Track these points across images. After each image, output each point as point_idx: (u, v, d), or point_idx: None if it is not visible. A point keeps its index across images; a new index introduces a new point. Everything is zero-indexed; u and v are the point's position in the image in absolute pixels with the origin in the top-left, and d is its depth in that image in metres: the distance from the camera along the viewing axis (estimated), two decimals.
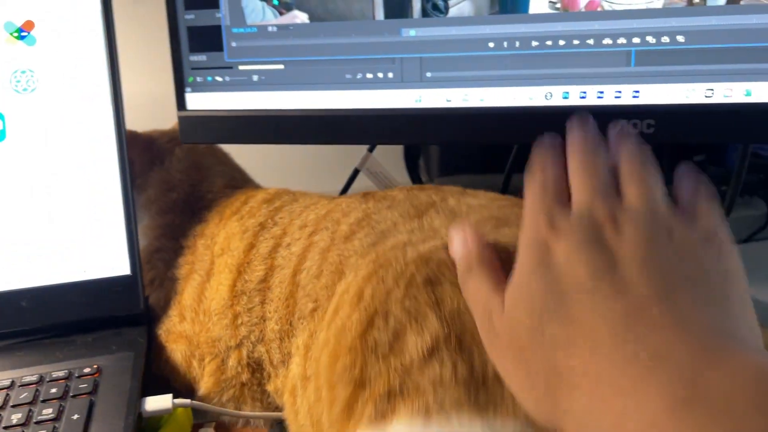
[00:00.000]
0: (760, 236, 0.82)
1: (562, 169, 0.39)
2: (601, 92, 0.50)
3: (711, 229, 0.34)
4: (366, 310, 0.37)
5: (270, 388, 0.50)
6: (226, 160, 0.67)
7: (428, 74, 0.52)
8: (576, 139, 0.41)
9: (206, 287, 0.53)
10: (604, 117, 0.49)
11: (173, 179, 0.62)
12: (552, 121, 0.51)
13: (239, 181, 0.63)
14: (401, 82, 0.53)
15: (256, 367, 0.50)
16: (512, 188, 0.91)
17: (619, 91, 0.49)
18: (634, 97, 0.49)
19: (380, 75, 0.53)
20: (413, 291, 0.36)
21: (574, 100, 0.50)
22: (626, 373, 0.26)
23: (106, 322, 0.54)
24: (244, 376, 0.50)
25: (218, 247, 0.54)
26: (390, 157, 0.90)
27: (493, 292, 0.35)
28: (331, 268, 0.44)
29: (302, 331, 0.45)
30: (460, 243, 0.39)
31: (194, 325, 0.53)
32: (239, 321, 0.50)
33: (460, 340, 0.34)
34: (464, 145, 0.88)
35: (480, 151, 0.94)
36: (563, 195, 0.37)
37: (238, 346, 0.50)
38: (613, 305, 0.29)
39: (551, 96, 0.51)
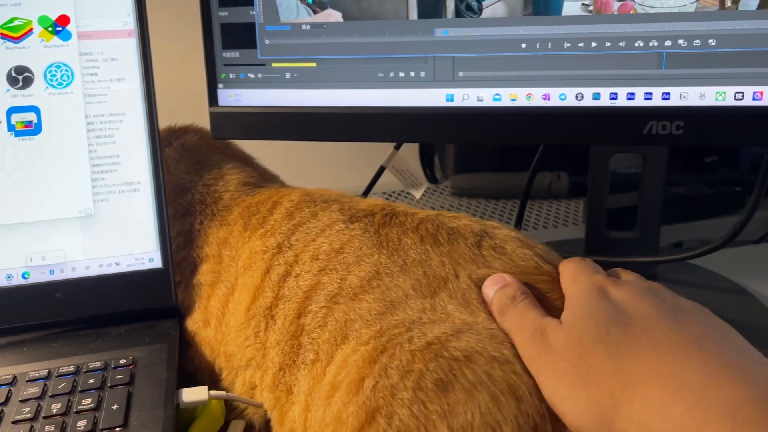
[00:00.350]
0: None
1: None
2: (632, 94, 0.50)
3: None
4: (366, 405, 0.36)
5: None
6: (232, 154, 0.65)
7: (460, 74, 0.53)
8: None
9: (230, 300, 0.53)
10: (634, 118, 0.50)
11: (183, 180, 0.60)
12: (583, 122, 0.52)
13: (255, 176, 0.61)
14: (433, 81, 0.54)
15: (252, 395, 0.50)
16: (535, 187, 0.91)
17: (650, 93, 0.50)
18: (664, 98, 0.50)
19: (412, 74, 0.54)
20: (422, 396, 0.35)
21: (605, 101, 0.51)
22: (699, 372, 0.29)
23: (138, 315, 0.55)
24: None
25: (242, 264, 0.53)
26: (405, 154, 0.91)
27: (544, 316, 0.38)
28: (335, 325, 0.44)
29: (304, 379, 0.44)
30: (498, 281, 0.41)
31: (217, 334, 0.53)
32: (248, 343, 0.50)
33: None
34: (493, 144, 0.89)
35: (496, 150, 0.95)
36: None
37: (246, 367, 0.50)
38: (679, 330, 0.33)
39: (582, 97, 0.52)
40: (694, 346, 0.31)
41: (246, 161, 0.65)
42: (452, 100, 0.54)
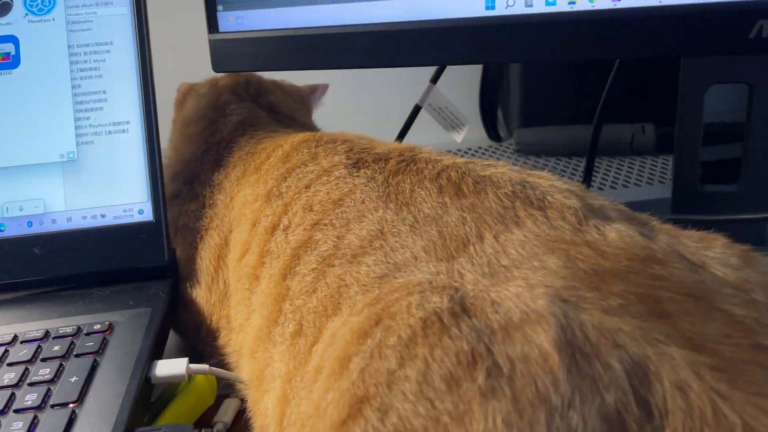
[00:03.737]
0: None
1: None
2: None
3: None
4: (350, 392, 0.27)
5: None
6: (266, 89, 0.59)
7: None
8: None
9: (225, 255, 0.46)
10: (736, 17, 0.38)
11: (191, 117, 0.56)
12: (666, 28, 0.39)
13: (261, 117, 0.55)
14: None
15: (239, 363, 0.43)
16: (616, 141, 0.79)
17: None
18: None
19: None
20: (430, 392, 0.25)
21: None
22: None
23: (128, 275, 0.48)
24: None
25: (234, 214, 0.46)
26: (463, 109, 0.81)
27: None
28: (326, 291, 0.35)
29: (281, 359, 0.36)
30: None
31: (210, 294, 0.46)
32: (238, 307, 0.43)
33: None
34: (545, 63, 0.77)
35: (565, 100, 0.82)
36: None
37: (237, 331, 0.43)
38: None
39: None
40: None
41: (270, 107, 0.58)
42: (493, 7, 0.42)
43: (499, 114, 0.88)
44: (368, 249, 0.35)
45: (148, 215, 0.48)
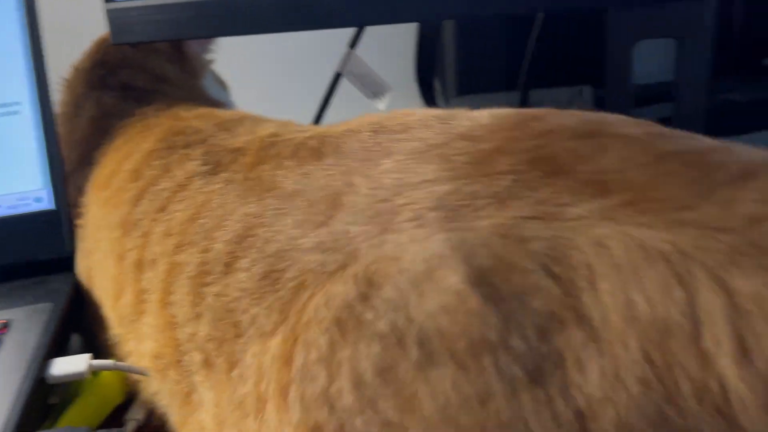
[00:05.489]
0: None
1: None
2: None
3: None
4: (303, 425, 0.24)
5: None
6: (133, 62, 0.52)
7: None
8: None
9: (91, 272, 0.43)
10: None
11: (60, 117, 0.51)
12: None
13: (109, 107, 0.49)
14: None
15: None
16: (539, 106, 0.77)
17: None
18: None
19: None
20: (368, 392, 0.23)
21: None
22: None
23: (29, 269, 0.44)
24: None
25: (88, 232, 0.43)
26: (400, 79, 0.78)
27: None
28: (213, 315, 0.32)
29: (203, 387, 0.33)
30: None
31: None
32: (129, 336, 0.39)
33: None
34: (463, 20, 0.74)
35: (501, 67, 0.80)
36: None
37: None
38: None
39: None
40: None
41: (122, 86, 0.51)
42: None
43: (436, 84, 0.85)
44: (239, 252, 0.32)
45: (46, 203, 0.45)
